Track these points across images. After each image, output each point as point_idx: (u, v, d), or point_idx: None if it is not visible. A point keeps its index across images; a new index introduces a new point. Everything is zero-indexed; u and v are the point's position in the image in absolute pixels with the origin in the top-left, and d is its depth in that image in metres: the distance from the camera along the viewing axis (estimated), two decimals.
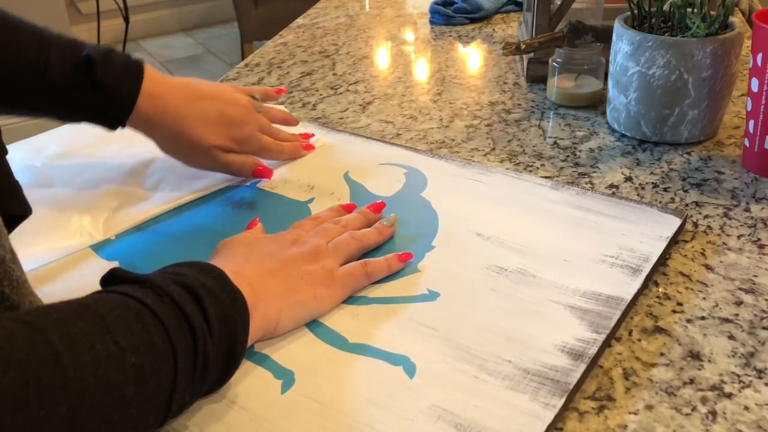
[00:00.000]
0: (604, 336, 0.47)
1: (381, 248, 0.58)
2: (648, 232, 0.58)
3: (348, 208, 0.62)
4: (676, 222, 0.59)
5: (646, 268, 0.54)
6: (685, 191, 0.66)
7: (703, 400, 0.44)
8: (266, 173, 0.69)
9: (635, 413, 0.43)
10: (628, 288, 0.52)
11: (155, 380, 0.38)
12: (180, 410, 0.41)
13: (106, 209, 0.65)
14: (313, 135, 0.78)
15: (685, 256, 0.57)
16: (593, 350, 0.46)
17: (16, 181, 0.51)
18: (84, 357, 0.35)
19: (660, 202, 0.65)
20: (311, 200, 0.66)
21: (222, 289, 0.44)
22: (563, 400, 0.42)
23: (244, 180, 0.70)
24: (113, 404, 0.36)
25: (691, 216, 0.62)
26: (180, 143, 0.66)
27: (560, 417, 0.43)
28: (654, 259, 0.55)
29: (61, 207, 0.66)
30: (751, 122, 0.67)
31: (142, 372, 0.37)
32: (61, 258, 0.59)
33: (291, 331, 0.49)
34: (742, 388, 0.44)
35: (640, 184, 0.68)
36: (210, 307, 0.42)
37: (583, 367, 0.45)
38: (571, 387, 0.43)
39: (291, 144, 0.74)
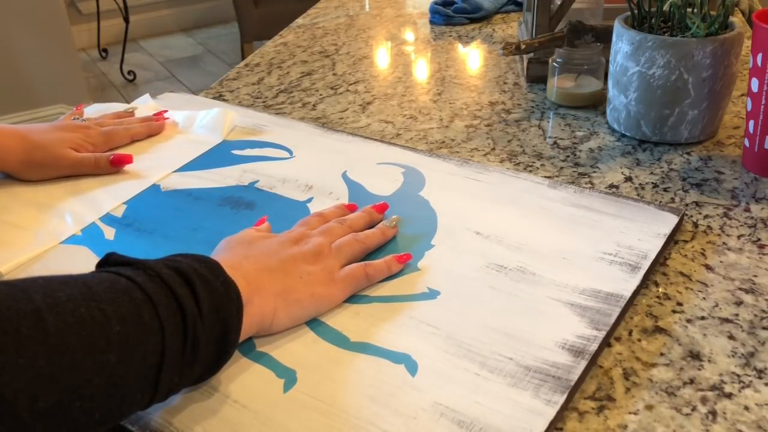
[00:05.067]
0: (604, 333, 0.47)
1: (382, 248, 0.58)
2: (646, 229, 0.58)
3: (351, 208, 0.62)
4: (673, 219, 0.59)
5: (645, 265, 0.54)
6: (685, 191, 0.66)
7: (703, 400, 0.44)
8: (125, 159, 0.73)
9: (635, 413, 0.43)
10: (627, 285, 0.52)
11: (141, 352, 0.38)
12: (168, 392, 0.41)
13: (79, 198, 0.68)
14: (166, 111, 0.84)
15: (685, 256, 0.57)
16: (593, 347, 0.46)
17: None
18: (67, 317, 0.36)
19: (660, 202, 0.65)
20: (310, 200, 0.66)
21: (215, 278, 0.44)
22: (565, 396, 0.43)
23: (242, 180, 0.70)
24: (95, 368, 0.36)
25: (691, 216, 0.62)
26: (34, 156, 0.70)
27: (561, 414, 0.43)
28: (652, 256, 0.55)
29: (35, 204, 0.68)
30: (751, 122, 0.67)
31: (126, 341, 0.38)
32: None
33: (289, 329, 0.50)
34: (742, 388, 0.44)
35: (640, 184, 0.68)
36: (201, 291, 0.42)
37: (584, 363, 0.45)
38: (572, 384, 0.43)
39: (140, 125, 0.80)
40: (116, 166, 0.72)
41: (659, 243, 0.56)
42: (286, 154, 0.75)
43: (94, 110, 0.85)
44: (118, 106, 0.87)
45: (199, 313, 0.41)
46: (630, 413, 0.43)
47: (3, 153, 0.69)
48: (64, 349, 0.35)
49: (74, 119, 0.78)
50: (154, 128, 0.80)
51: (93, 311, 0.37)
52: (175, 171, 0.73)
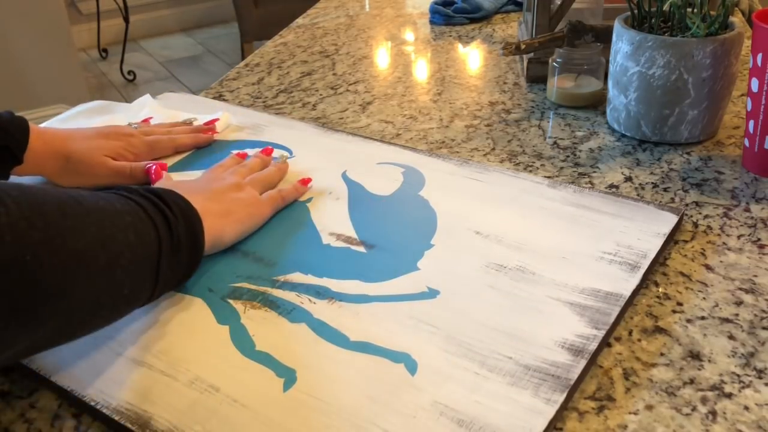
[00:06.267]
0: (603, 332, 0.47)
1: (383, 248, 0.58)
2: (645, 228, 0.58)
3: (242, 156, 0.71)
4: (673, 219, 0.59)
5: (644, 265, 0.54)
6: (685, 191, 0.66)
7: (703, 400, 0.44)
8: (160, 168, 0.71)
9: (635, 413, 0.43)
10: (627, 284, 0.52)
11: (147, 240, 0.46)
12: (163, 286, 0.49)
13: None
14: (217, 120, 0.82)
15: (685, 256, 0.57)
16: (593, 346, 0.46)
17: None
18: (92, 204, 0.44)
19: (660, 202, 0.65)
20: (309, 200, 0.66)
21: (173, 195, 0.52)
22: (564, 395, 0.43)
23: None
24: (124, 242, 0.44)
25: (691, 216, 0.62)
26: (71, 163, 0.69)
27: (561, 413, 0.43)
28: (652, 255, 0.55)
29: None
30: (751, 122, 0.67)
31: (136, 228, 0.46)
32: None
33: (235, 242, 0.59)
34: (742, 388, 0.44)
35: (640, 184, 0.68)
36: (169, 201, 0.50)
37: (583, 363, 0.45)
38: (572, 383, 0.43)
39: (187, 136, 0.79)
40: (149, 174, 0.71)
41: (659, 242, 0.56)
42: (286, 154, 0.75)
43: (159, 119, 0.84)
44: (174, 114, 0.85)
45: (175, 217, 0.50)
46: (630, 413, 0.43)
47: (41, 159, 0.68)
48: (102, 224, 0.43)
49: (129, 125, 0.77)
50: (200, 140, 0.78)
51: (106, 204, 0.45)
52: (171, 170, 0.73)
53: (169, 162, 0.74)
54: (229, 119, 0.83)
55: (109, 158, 0.71)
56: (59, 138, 0.69)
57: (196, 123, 0.82)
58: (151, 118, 0.83)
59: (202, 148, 0.78)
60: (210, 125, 0.81)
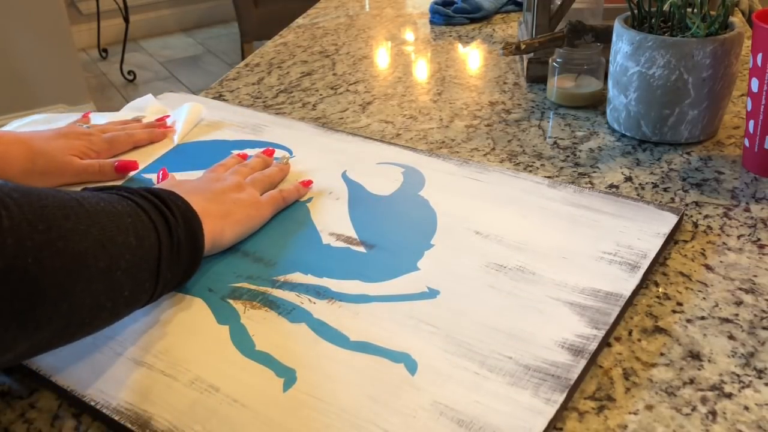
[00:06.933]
0: (603, 332, 0.47)
1: (383, 248, 0.58)
2: (645, 228, 0.58)
3: (244, 157, 0.72)
4: (672, 219, 0.59)
5: (644, 265, 0.54)
6: (685, 191, 0.66)
7: (703, 400, 0.44)
8: (130, 165, 0.73)
9: (635, 413, 0.43)
10: (627, 284, 0.52)
11: (147, 243, 0.46)
12: (163, 288, 0.49)
13: None
14: (168, 116, 0.83)
15: (685, 256, 0.57)
16: (593, 346, 0.46)
17: None
18: (95, 206, 0.44)
19: (660, 202, 0.65)
20: (309, 200, 0.66)
21: (176, 197, 0.52)
22: (564, 395, 0.43)
23: None
24: (124, 246, 0.44)
25: (691, 216, 0.62)
26: (38, 164, 0.69)
27: (561, 413, 0.43)
28: (652, 255, 0.55)
29: None
30: (751, 122, 0.67)
31: (137, 230, 0.46)
32: None
33: (234, 242, 0.59)
34: (742, 388, 0.44)
35: (640, 184, 0.68)
36: (171, 204, 0.51)
37: (583, 362, 0.45)
38: (572, 383, 0.43)
39: (143, 131, 0.79)
40: (121, 172, 0.72)
41: (659, 242, 0.56)
42: (287, 155, 0.75)
43: (99, 118, 0.84)
44: (123, 115, 0.86)
45: (175, 219, 0.50)
46: (630, 413, 0.43)
47: (3, 161, 0.67)
48: (103, 226, 0.43)
49: (79, 126, 0.78)
50: (156, 135, 0.79)
51: (107, 205, 0.45)
52: (146, 171, 0.73)
53: (142, 164, 0.75)
54: (201, 112, 0.84)
55: (75, 157, 0.71)
56: (20, 140, 0.69)
57: (145, 120, 0.83)
58: (89, 112, 0.85)
59: (156, 142, 0.79)
60: (161, 121, 0.82)
